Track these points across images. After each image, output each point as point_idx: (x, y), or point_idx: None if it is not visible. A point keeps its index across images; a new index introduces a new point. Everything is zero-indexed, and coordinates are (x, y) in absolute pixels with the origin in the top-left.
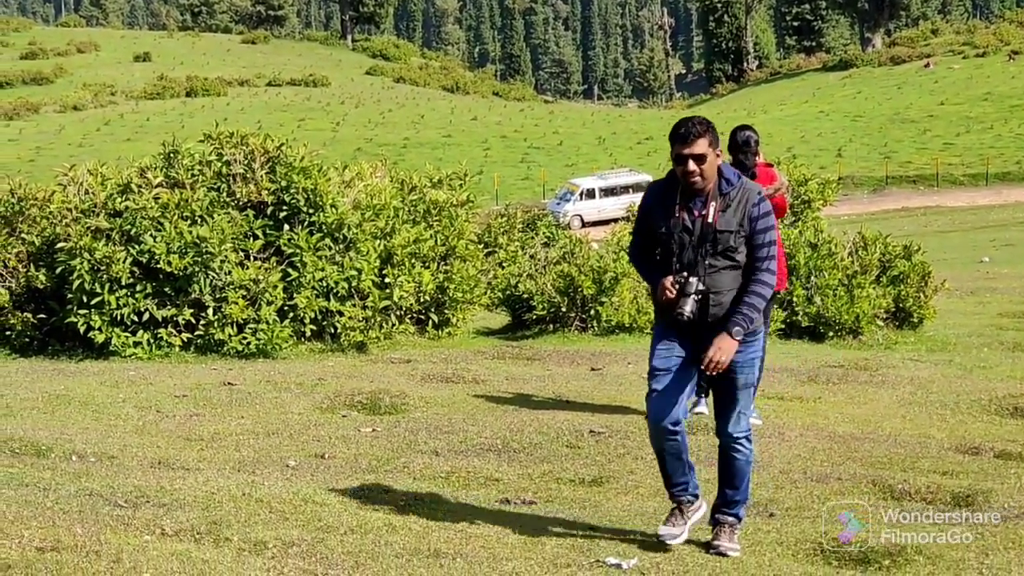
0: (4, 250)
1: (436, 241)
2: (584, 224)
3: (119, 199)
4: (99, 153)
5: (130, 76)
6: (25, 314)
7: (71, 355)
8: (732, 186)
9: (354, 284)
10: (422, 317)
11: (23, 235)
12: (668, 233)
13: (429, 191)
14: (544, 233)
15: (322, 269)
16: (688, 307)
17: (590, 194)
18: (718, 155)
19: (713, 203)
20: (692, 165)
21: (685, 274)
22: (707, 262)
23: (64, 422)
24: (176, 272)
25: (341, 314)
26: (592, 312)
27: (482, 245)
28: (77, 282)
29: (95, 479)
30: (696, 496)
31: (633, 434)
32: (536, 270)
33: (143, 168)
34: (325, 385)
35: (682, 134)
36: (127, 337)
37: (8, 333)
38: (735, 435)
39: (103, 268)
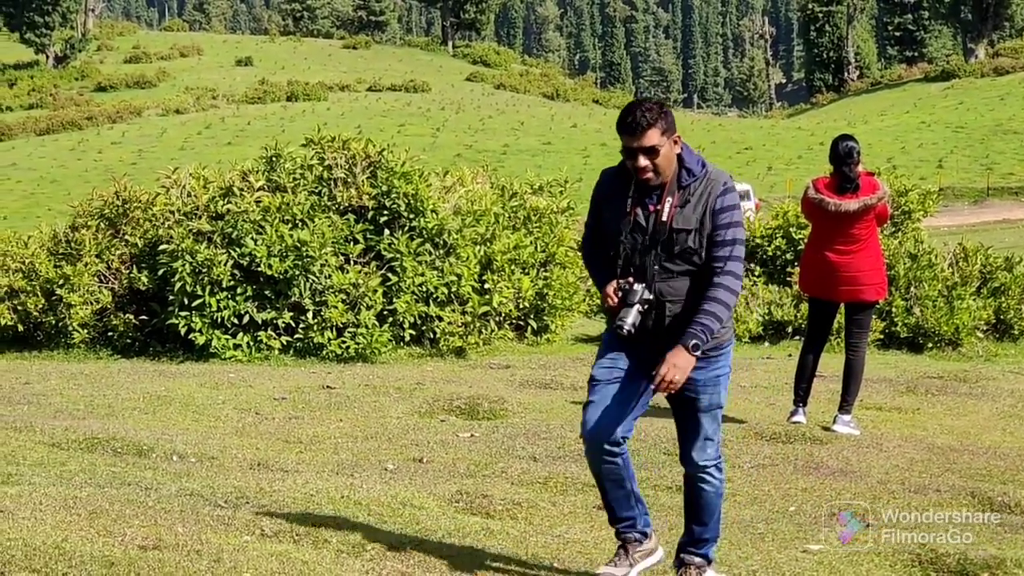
0: (108, 252)
1: (536, 247)
2: None
3: (221, 202)
4: (200, 156)
5: (232, 80)
6: (127, 315)
7: (172, 356)
8: (694, 177)
9: (454, 289)
10: (521, 323)
11: (126, 237)
12: (617, 231)
13: (530, 197)
14: None
15: (422, 274)
16: (630, 319)
17: None
18: (676, 142)
19: (669, 198)
20: (643, 160)
21: (630, 280)
22: (658, 266)
23: (165, 423)
24: (276, 275)
25: (440, 319)
26: None
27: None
28: (179, 284)
29: (196, 479)
30: (645, 535)
31: (730, 442)
32: None
33: (245, 172)
34: (424, 390)
35: (629, 124)
36: (227, 339)
37: (110, 334)
38: (701, 463)
39: (204, 270)
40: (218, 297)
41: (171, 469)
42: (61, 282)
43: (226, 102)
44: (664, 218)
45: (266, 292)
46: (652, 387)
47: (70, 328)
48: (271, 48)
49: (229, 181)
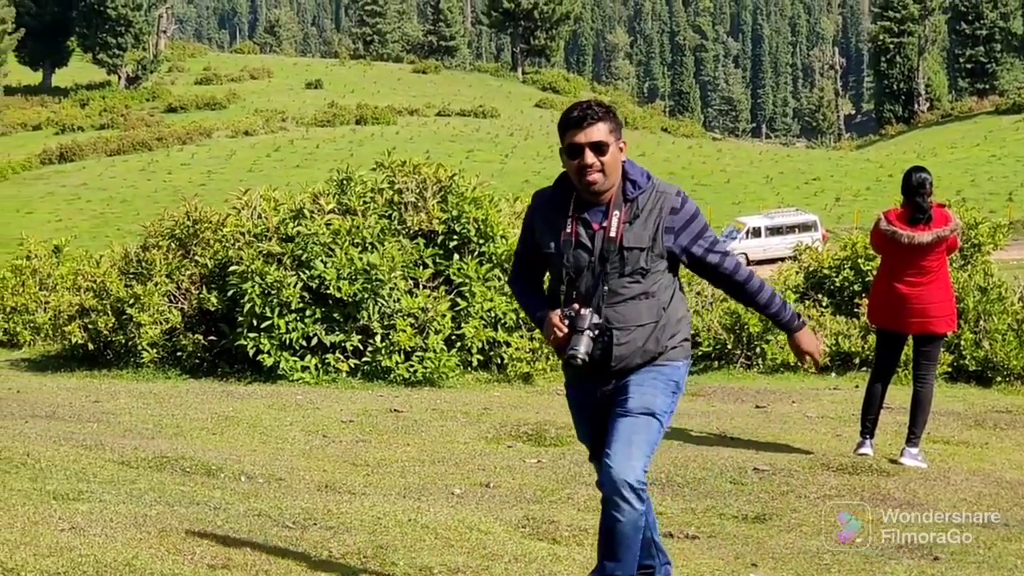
0: (178, 272)
1: None
2: (749, 262)
3: (291, 224)
4: (269, 179)
5: (301, 103)
6: (196, 336)
7: (240, 377)
8: (640, 189)
9: (522, 315)
10: None
11: (196, 257)
12: (558, 253)
13: None
14: None
15: (491, 299)
16: (582, 347)
17: (756, 232)
18: (622, 148)
19: (616, 212)
20: (590, 156)
21: (576, 306)
22: (607, 288)
23: (233, 443)
24: (346, 298)
25: (508, 345)
26: (758, 350)
27: None
28: (248, 305)
29: (264, 500)
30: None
31: (797, 472)
32: (702, 307)
33: (316, 194)
34: (491, 415)
35: (576, 118)
36: (295, 361)
37: (180, 354)
38: (616, 479)
39: (274, 292)
40: (287, 319)
41: (239, 489)
42: (131, 301)
43: (295, 125)
44: (613, 234)
45: (335, 315)
46: (803, 365)
47: (139, 347)
48: (341, 71)
49: (300, 203)
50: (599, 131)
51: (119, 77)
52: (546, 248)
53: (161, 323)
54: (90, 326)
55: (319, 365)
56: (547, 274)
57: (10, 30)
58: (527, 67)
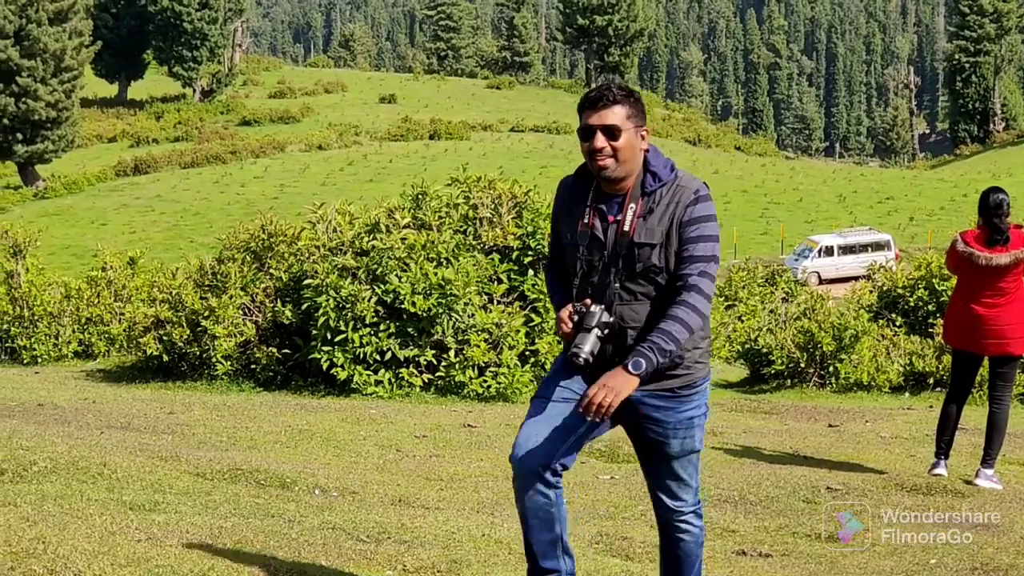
0: (252, 285)
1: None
2: (821, 281)
3: (366, 238)
4: (342, 193)
5: (375, 117)
6: (270, 348)
7: (313, 391)
8: (660, 182)
9: None
10: None
11: (271, 271)
12: (573, 244)
13: None
14: (784, 288)
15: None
16: (587, 346)
17: (829, 251)
18: (643, 137)
19: (632, 205)
20: (600, 140)
21: (587, 301)
22: (619, 286)
23: (307, 456)
24: (420, 313)
25: None
26: (831, 369)
27: (722, 298)
28: (322, 319)
29: (338, 513)
30: None
31: (871, 492)
32: (776, 325)
33: (391, 209)
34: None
35: (592, 98)
36: (369, 375)
37: (253, 367)
38: (677, 510)
39: (348, 306)
40: (361, 333)
41: (313, 502)
42: (206, 314)
43: (369, 139)
44: (626, 228)
45: (409, 329)
46: (580, 410)
47: (214, 360)
48: (415, 86)
49: (375, 218)
50: (614, 114)
51: (194, 90)
52: (564, 238)
53: (236, 335)
54: (165, 338)
55: (393, 379)
56: None
57: (87, 43)
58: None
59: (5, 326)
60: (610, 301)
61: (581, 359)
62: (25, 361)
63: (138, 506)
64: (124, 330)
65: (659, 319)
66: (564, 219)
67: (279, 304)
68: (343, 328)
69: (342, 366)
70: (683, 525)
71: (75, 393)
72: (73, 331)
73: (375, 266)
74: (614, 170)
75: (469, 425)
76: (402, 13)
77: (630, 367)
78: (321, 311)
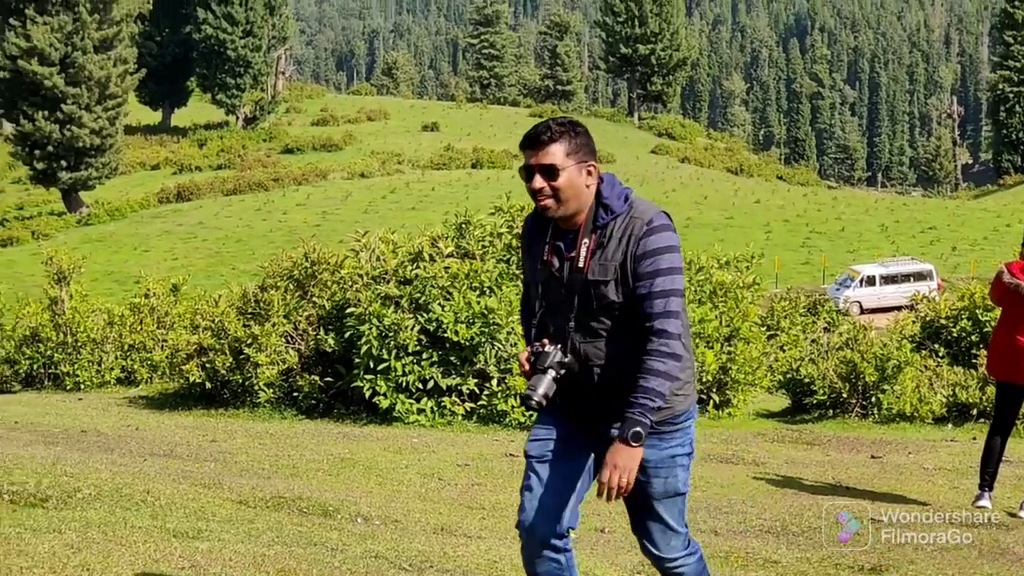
0: (295, 313)
1: (721, 322)
2: (863, 311)
3: (410, 267)
4: (384, 220)
5: (417, 145)
6: (313, 376)
7: (356, 419)
8: (612, 215)
9: None
10: (704, 397)
11: (314, 298)
12: (534, 282)
13: (716, 272)
14: (825, 318)
15: None
16: (540, 388)
17: (870, 281)
18: (590, 171)
19: (585, 241)
20: (539, 180)
21: (545, 341)
22: (574, 324)
23: (349, 484)
24: (463, 342)
25: None
26: (873, 399)
27: (764, 328)
28: (365, 347)
29: (380, 542)
30: None
31: (913, 524)
32: (818, 355)
33: (434, 237)
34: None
35: (530, 136)
36: (411, 404)
37: (296, 395)
38: (668, 558)
39: (391, 335)
40: (404, 361)
41: (356, 531)
42: (249, 341)
43: (411, 167)
44: (580, 265)
45: (451, 358)
46: (597, 495)
47: (256, 387)
48: (457, 114)
49: (418, 246)
50: (550, 153)
51: (237, 118)
52: (527, 276)
53: (278, 363)
54: (208, 365)
55: (435, 408)
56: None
57: (132, 70)
58: (643, 112)
59: (49, 352)
60: (568, 340)
61: (533, 401)
62: (68, 387)
63: (181, 533)
64: (166, 357)
65: (630, 365)
66: (526, 256)
67: (322, 332)
68: (386, 356)
69: (384, 394)
70: (677, 570)
71: (118, 420)
72: (116, 358)
73: (418, 295)
74: (555, 210)
75: (511, 454)
76: (445, 41)
77: (630, 440)
78: (364, 339)
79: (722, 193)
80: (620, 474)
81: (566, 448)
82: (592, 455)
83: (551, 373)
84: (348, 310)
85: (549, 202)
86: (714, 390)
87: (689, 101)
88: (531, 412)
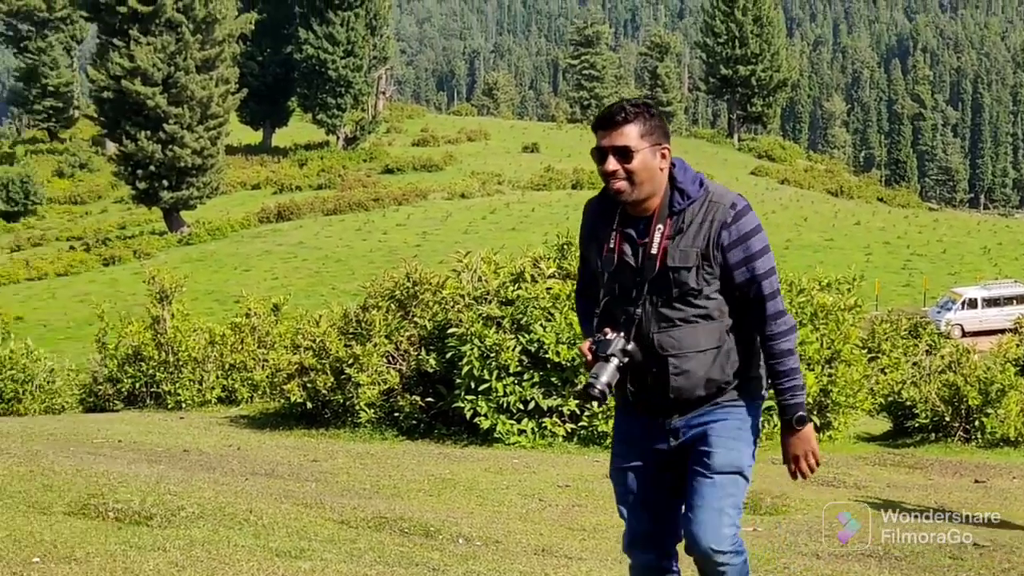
0: (397, 333)
1: (822, 344)
2: (964, 334)
3: (511, 288)
4: (484, 241)
5: (517, 166)
6: (414, 397)
7: (456, 439)
8: (689, 200)
9: None
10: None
11: (416, 319)
12: (601, 270)
13: (817, 294)
14: (927, 341)
15: None
16: (604, 376)
17: (972, 304)
18: (663, 155)
19: (660, 226)
20: (612, 163)
21: (607, 330)
22: (653, 312)
23: (450, 505)
24: (564, 363)
25: None
26: (977, 423)
27: (865, 350)
28: (466, 368)
29: (482, 562)
30: None
31: (1019, 549)
32: (920, 378)
33: (536, 258)
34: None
35: (604, 117)
36: (512, 425)
37: (396, 415)
38: (719, 550)
39: (492, 355)
40: (505, 382)
41: (457, 551)
42: (351, 361)
43: (511, 188)
44: (653, 251)
45: (552, 379)
46: (796, 479)
47: (357, 407)
48: (557, 135)
49: (520, 267)
50: (625, 135)
51: (337, 138)
52: (593, 264)
53: (379, 384)
54: (309, 385)
55: (535, 429)
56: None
57: (233, 90)
58: (743, 134)
59: (151, 371)
60: (638, 328)
61: (596, 390)
62: (170, 406)
63: (284, 553)
64: (267, 377)
65: (710, 348)
66: (590, 244)
67: (423, 352)
68: (487, 377)
69: (485, 415)
70: (721, 563)
71: (219, 439)
72: (217, 377)
73: (520, 315)
74: (628, 194)
75: (606, 476)
76: (545, 62)
77: (796, 424)
78: (465, 360)
79: (822, 215)
80: (807, 458)
81: (645, 472)
82: (668, 468)
83: (614, 361)
84: (449, 330)
85: (622, 185)
86: (815, 412)
87: (789, 122)
88: (594, 402)
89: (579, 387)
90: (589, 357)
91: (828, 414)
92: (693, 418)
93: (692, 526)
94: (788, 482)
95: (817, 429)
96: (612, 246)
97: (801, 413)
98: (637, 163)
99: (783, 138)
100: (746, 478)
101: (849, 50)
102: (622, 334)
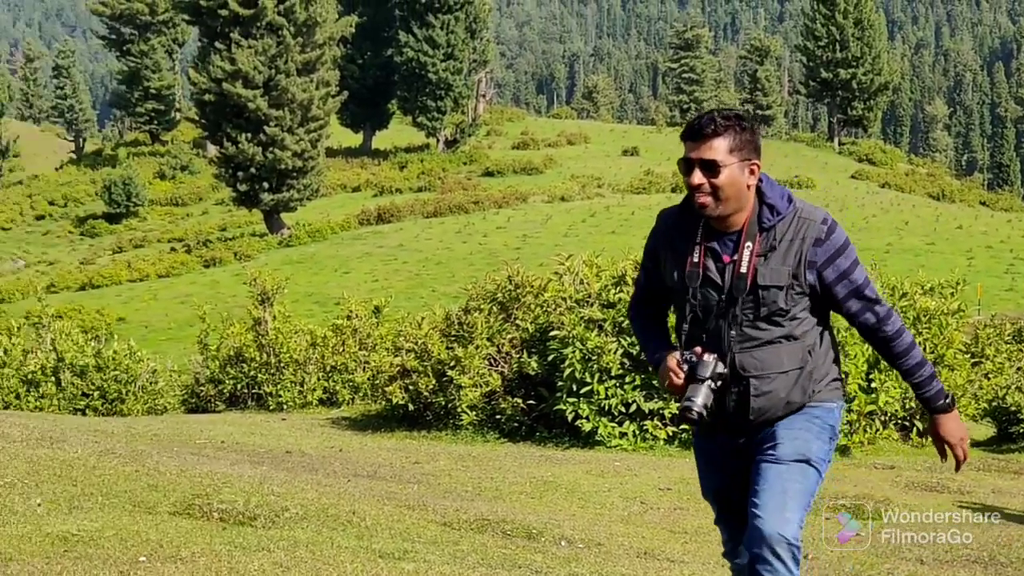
0: (499, 335)
1: (925, 349)
2: None
3: (613, 291)
4: (583, 244)
5: (617, 169)
6: (515, 399)
7: (557, 442)
8: (779, 216)
9: (848, 388)
10: (906, 424)
11: (517, 321)
12: (682, 288)
13: (920, 298)
14: None
15: None
16: (699, 399)
17: None
18: (752, 171)
19: (749, 243)
20: (697, 176)
21: (698, 350)
22: (736, 332)
23: (551, 507)
24: None
25: None
26: None
27: (969, 355)
28: (568, 370)
29: (584, 565)
30: None
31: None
32: None
33: (638, 261)
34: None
35: (693, 128)
36: (613, 427)
37: (498, 417)
38: (773, 533)
39: (594, 358)
40: (606, 385)
41: (560, 554)
42: (452, 363)
43: (611, 191)
44: (743, 270)
45: (654, 382)
46: (956, 465)
47: (459, 409)
48: (657, 139)
49: (621, 270)
50: (714, 148)
51: (437, 140)
52: (669, 280)
53: (481, 386)
54: (411, 387)
55: (637, 432)
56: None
57: (334, 93)
58: (843, 137)
59: (252, 372)
60: (726, 350)
61: (694, 413)
62: (271, 407)
63: (387, 555)
64: (368, 378)
65: (791, 369)
66: (667, 257)
67: (525, 355)
68: (588, 380)
69: (587, 418)
70: (771, 558)
71: (321, 441)
72: (318, 379)
73: (621, 318)
74: (713, 209)
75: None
76: (645, 65)
77: (944, 407)
78: (567, 363)
79: (923, 219)
80: (964, 445)
81: (732, 485)
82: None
83: (709, 384)
84: (551, 333)
85: (707, 199)
86: (917, 417)
87: (890, 126)
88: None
89: (679, 407)
90: (681, 377)
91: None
92: (763, 430)
93: (753, 511)
94: (890, 487)
95: (920, 434)
96: (696, 261)
97: (944, 401)
98: (724, 178)
99: (884, 142)
100: (817, 470)
101: (951, 53)
102: (715, 356)
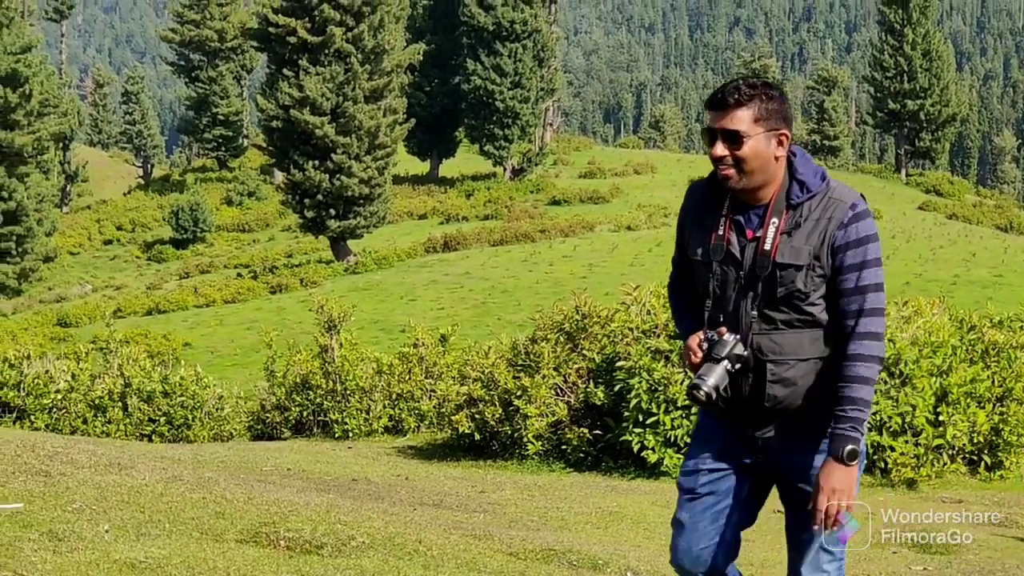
0: (565, 365)
1: (993, 382)
2: None
3: None
4: (650, 274)
5: (682, 199)
6: (581, 429)
7: (623, 473)
8: (809, 194)
9: (908, 420)
10: (974, 458)
11: (584, 351)
12: (704, 262)
13: (988, 331)
14: None
15: (876, 403)
16: (711, 379)
17: None
18: (781, 141)
19: (775, 219)
20: (720, 148)
21: (722, 330)
22: (756, 312)
23: (617, 538)
24: None
25: (892, 449)
26: None
27: None
28: (634, 401)
29: None
30: None
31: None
32: None
33: None
34: (875, 520)
35: (716, 98)
36: (679, 458)
37: (564, 447)
38: None
39: (661, 388)
40: (672, 416)
41: None
42: (519, 393)
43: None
44: (767, 247)
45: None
46: (814, 526)
47: (525, 439)
48: None
49: None
50: (736, 118)
51: (504, 169)
52: (692, 253)
53: (547, 416)
54: (477, 416)
55: None
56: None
57: (401, 120)
58: (911, 168)
59: (318, 400)
60: (745, 329)
61: (702, 392)
62: (337, 435)
63: None
64: (434, 407)
65: (831, 371)
66: (693, 230)
67: (591, 385)
68: (655, 410)
69: (653, 448)
70: None
71: (387, 469)
72: (384, 406)
73: None
74: (736, 181)
75: (779, 510)
76: None
77: (845, 459)
78: (633, 393)
79: (991, 251)
80: (839, 498)
81: (720, 476)
82: (746, 482)
83: (725, 364)
84: (618, 363)
85: (730, 172)
86: (985, 451)
87: (958, 157)
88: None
89: (688, 385)
90: (699, 355)
91: (999, 453)
92: (788, 441)
93: (796, 562)
94: (960, 522)
95: (988, 468)
96: (721, 234)
97: (853, 448)
98: (747, 150)
99: (951, 173)
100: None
101: (1020, 85)
102: (737, 336)
